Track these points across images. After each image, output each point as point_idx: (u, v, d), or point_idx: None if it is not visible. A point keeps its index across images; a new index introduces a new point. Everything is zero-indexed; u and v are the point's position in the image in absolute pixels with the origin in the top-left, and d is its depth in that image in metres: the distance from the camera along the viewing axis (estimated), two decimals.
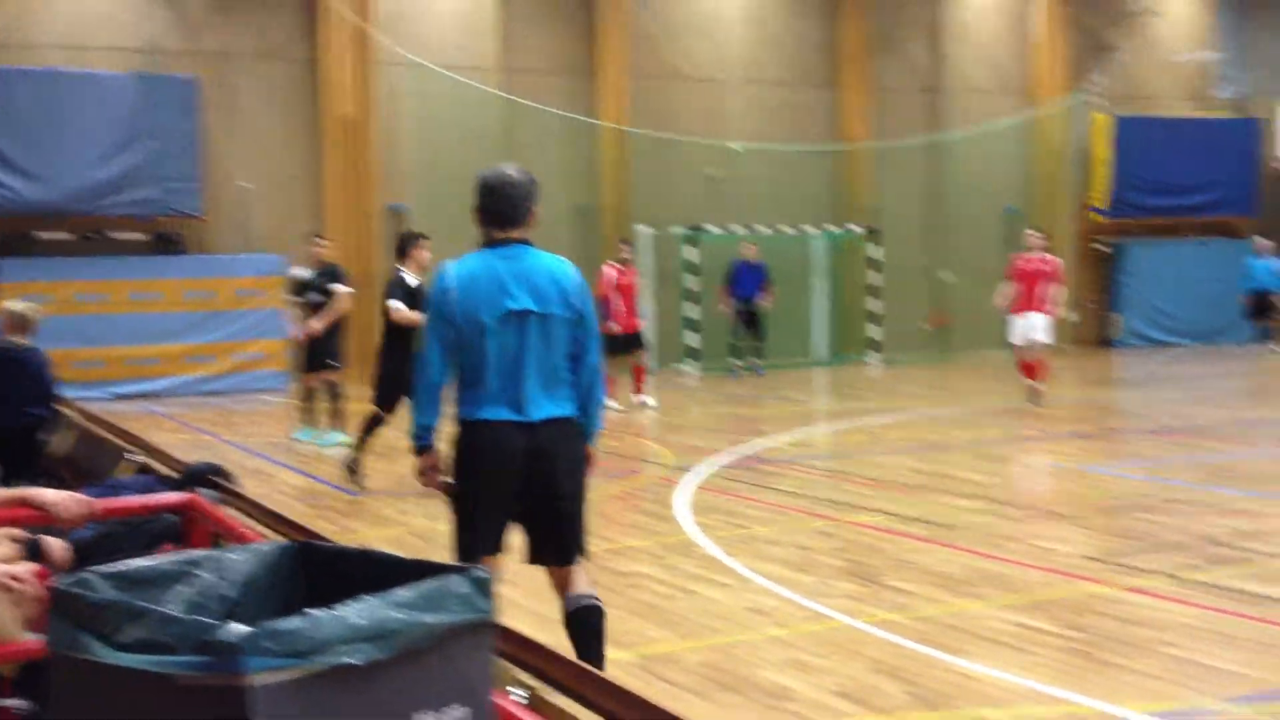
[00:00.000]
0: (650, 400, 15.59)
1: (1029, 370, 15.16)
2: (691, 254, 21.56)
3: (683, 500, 9.20)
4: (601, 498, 9.53)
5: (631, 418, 15.14)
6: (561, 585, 4.87)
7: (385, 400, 10.15)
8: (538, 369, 4.64)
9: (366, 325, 20.34)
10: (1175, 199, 26.29)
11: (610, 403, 15.05)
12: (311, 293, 13.25)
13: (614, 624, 5.88)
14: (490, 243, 4.72)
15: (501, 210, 4.71)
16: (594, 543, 7.89)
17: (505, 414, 4.61)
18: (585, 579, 4.91)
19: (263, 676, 1.49)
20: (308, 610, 1.55)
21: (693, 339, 21.61)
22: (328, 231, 20.11)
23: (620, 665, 5.21)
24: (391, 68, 20.58)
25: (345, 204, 20.29)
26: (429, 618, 1.64)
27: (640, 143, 22.17)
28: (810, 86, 23.85)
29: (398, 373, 9.63)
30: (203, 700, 1.50)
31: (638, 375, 15.78)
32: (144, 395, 18.08)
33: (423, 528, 8.53)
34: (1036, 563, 7.04)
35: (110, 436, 6.84)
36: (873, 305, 23.15)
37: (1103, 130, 25.85)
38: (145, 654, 1.53)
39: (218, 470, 5.50)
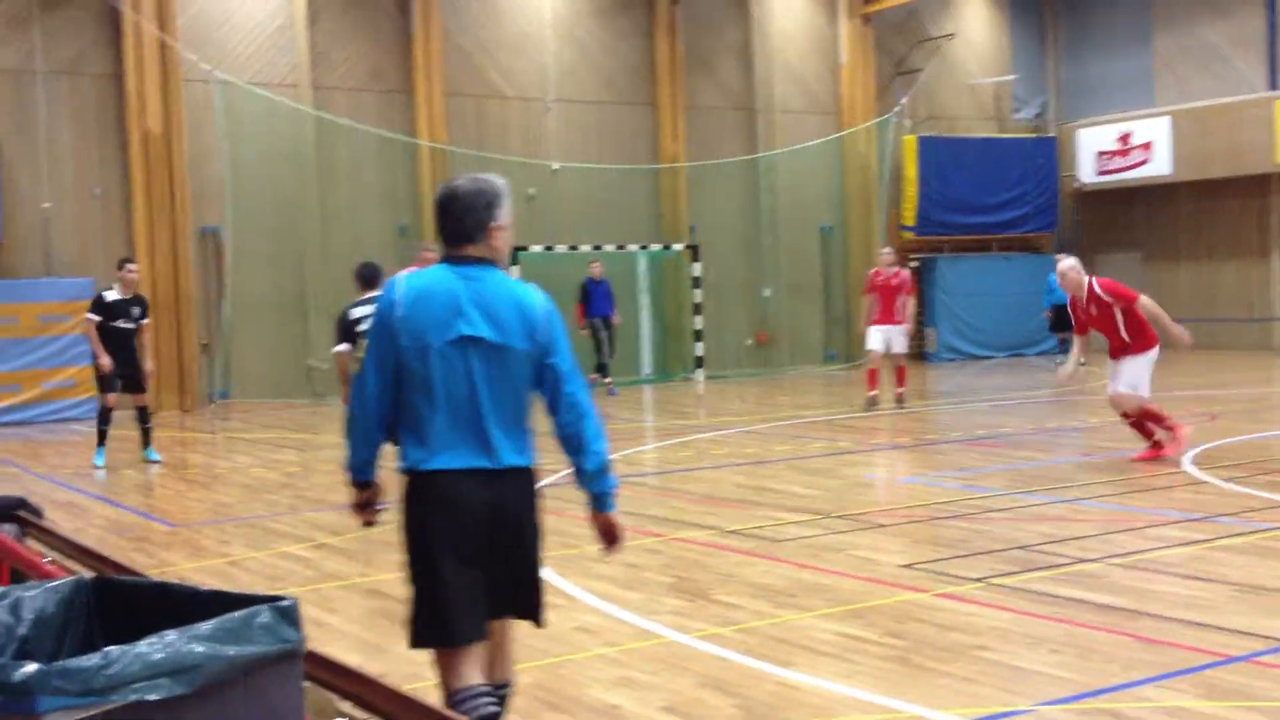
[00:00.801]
0: None
1: (872, 379, 16.68)
2: (514, 274, 21.48)
3: None
4: None
5: None
6: (488, 656, 4.07)
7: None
8: (495, 407, 3.94)
9: (174, 348, 19.74)
10: (980, 216, 27.35)
11: None
12: (121, 319, 13.16)
13: None
14: (449, 260, 4.08)
15: (448, 226, 4.09)
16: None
17: (463, 460, 3.88)
18: (510, 658, 4.28)
19: (56, 717, 1.40)
20: (105, 648, 1.47)
21: None
22: (138, 254, 19.47)
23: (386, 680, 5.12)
24: (199, 84, 20.03)
25: (155, 225, 19.63)
26: (231, 650, 1.57)
27: (459, 162, 22.03)
28: (627, 105, 24.07)
29: None
30: None
31: None
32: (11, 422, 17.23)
33: (241, 556, 8.28)
34: (857, 572, 7.19)
35: None
36: (696, 322, 23.43)
37: (909, 151, 26.74)
38: None
39: (22, 504, 5.25)
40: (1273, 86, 25.59)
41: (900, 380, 16.79)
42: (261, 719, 1.61)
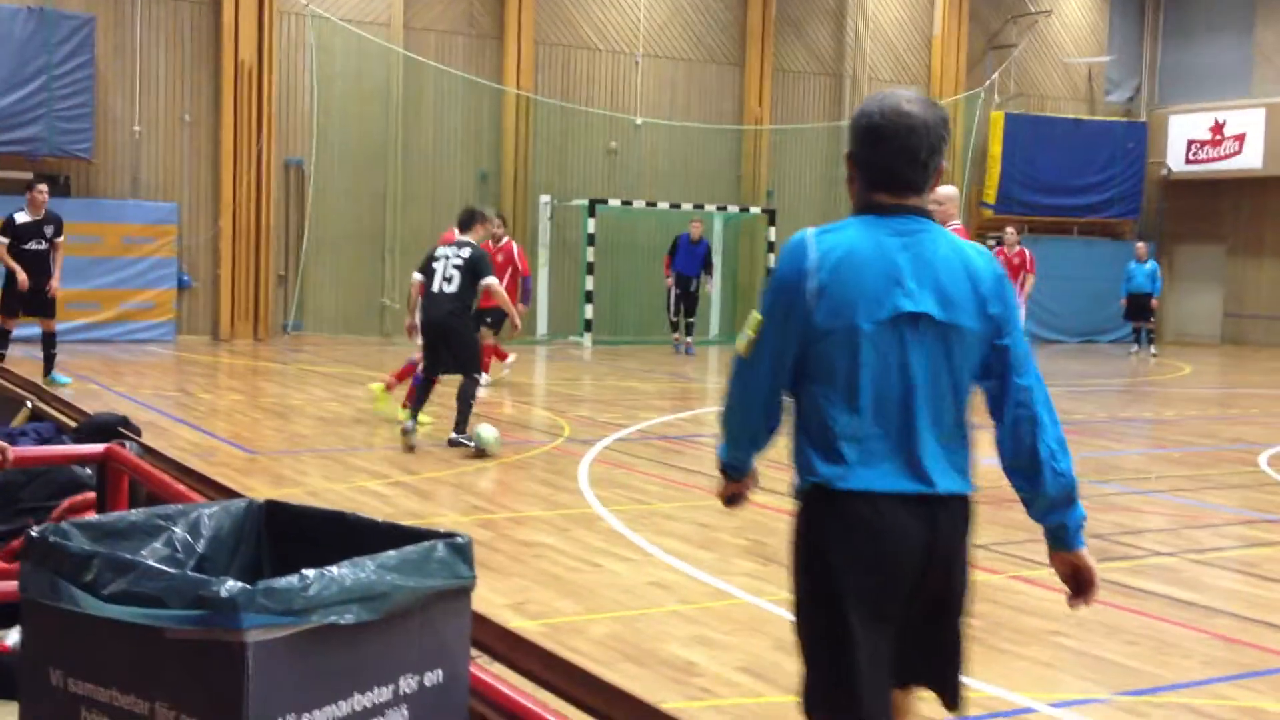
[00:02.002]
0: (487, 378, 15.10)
1: None
2: (591, 226, 21.54)
3: (583, 473, 9.23)
4: (501, 467, 9.52)
5: (518, 390, 15.12)
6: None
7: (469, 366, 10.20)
8: (933, 409, 3.00)
9: (250, 278, 20.02)
10: (1062, 199, 26.98)
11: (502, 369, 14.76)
12: (33, 241, 13.08)
13: (520, 593, 5.90)
14: (872, 209, 3.03)
15: (894, 165, 3.01)
16: (496, 511, 7.91)
17: (890, 481, 2.96)
18: None
19: (256, 633, 1.48)
20: (303, 570, 1.53)
21: (589, 311, 21.62)
22: (222, 182, 19.73)
23: (527, 634, 5.22)
24: (294, 17, 20.18)
25: (241, 155, 19.84)
26: (413, 582, 1.64)
27: (544, 111, 22.07)
28: (715, 64, 23.94)
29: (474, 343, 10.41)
30: (193, 654, 1.48)
31: (498, 352, 15.01)
32: (23, 340, 17.53)
33: (319, 487, 8.43)
34: None
35: (6, 384, 6.63)
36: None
37: (996, 127, 26.41)
38: (131, 606, 1.50)
39: (124, 422, 5.36)
40: None
41: None
42: (434, 649, 1.67)
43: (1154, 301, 23.02)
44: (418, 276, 10.28)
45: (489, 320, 13.71)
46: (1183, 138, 27.47)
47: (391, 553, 1.66)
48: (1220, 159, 26.78)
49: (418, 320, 10.26)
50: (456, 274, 9.96)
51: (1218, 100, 27.12)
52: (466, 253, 10.05)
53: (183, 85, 19.83)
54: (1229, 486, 9.81)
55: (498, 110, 21.93)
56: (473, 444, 9.82)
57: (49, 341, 13.36)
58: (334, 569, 1.58)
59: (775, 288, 3.03)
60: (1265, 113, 25.92)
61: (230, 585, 1.49)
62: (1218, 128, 26.79)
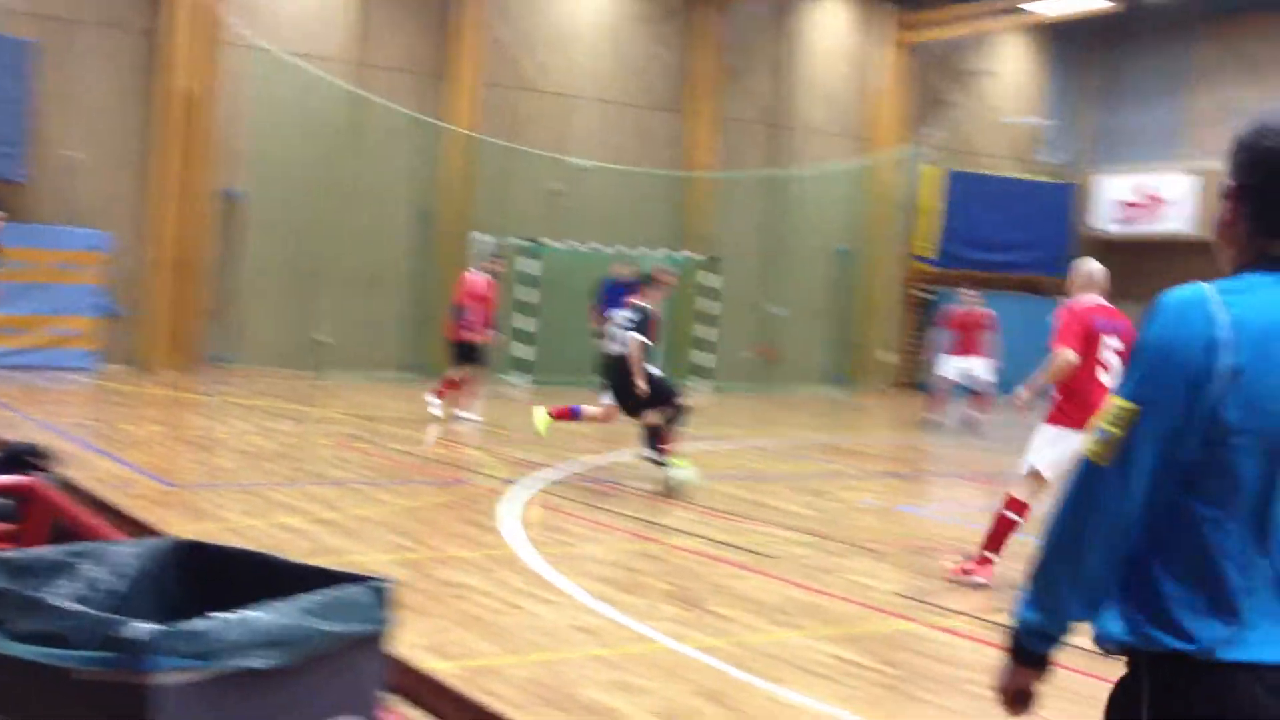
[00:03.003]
0: (471, 415, 15.43)
1: (935, 404, 18.29)
2: (529, 266, 21.58)
3: (509, 513, 9.23)
4: (426, 505, 9.50)
5: (455, 427, 15.10)
6: None
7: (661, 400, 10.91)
8: None
9: (179, 307, 19.81)
10: (994, 254, 27.44)
11: (464, 413, 15.04)
12: None
13: (440, 634, 5.89)
14: (1272, 263, 2.26)
15: None
16: (419, 550, 7.89)
17: None
18: None
19: (165, 676, 1.49)
20: (215, 613, 1.56)
21: (522, 351, 21.62)
22: (158, 210, 19.56)
23: (445, 677, 5.21)
24: (238, 49, 20.13)
25: (177, 183, 19.70)
26: (332, 626, 1.66)
27: (487, 151, 22.13)
28: (659, 111, 24.17)
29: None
30: (100, 697, 1.49)
31: (458, 387, 15.58)
32: None
33: (238, 523, 8.36)
34: (851, 596, 7.29)
35: None
36: (705, 333, 23.51)
37: (933, 182, 26.84)
38: (39, 645, 1.51)
39: (40, 452, 5.27)
40: None
41: (979, 405, 18.19)
42: (350, 695, 1.70)
43: None
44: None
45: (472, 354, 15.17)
46: (1113, 200, 28.08)
47: (310, 596, 1.68)
48: (1149, 222, 27.39)
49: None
50: (618, 334, 11.03)
51: (1149, 165, 27.76)
52: (628, 315, 11.05)
53: (122, 113, 19.69)
54: None
55: (441, 149, 21.96)
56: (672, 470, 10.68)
57: None
58: (249, 612, 1.60)
59: (1161, 363, 2.18)
60: (1194, 178, 26.56)
61: (140, 627, 1.51)
62: (1147, 191, 27.41)
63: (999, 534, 7.72)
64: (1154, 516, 2.18)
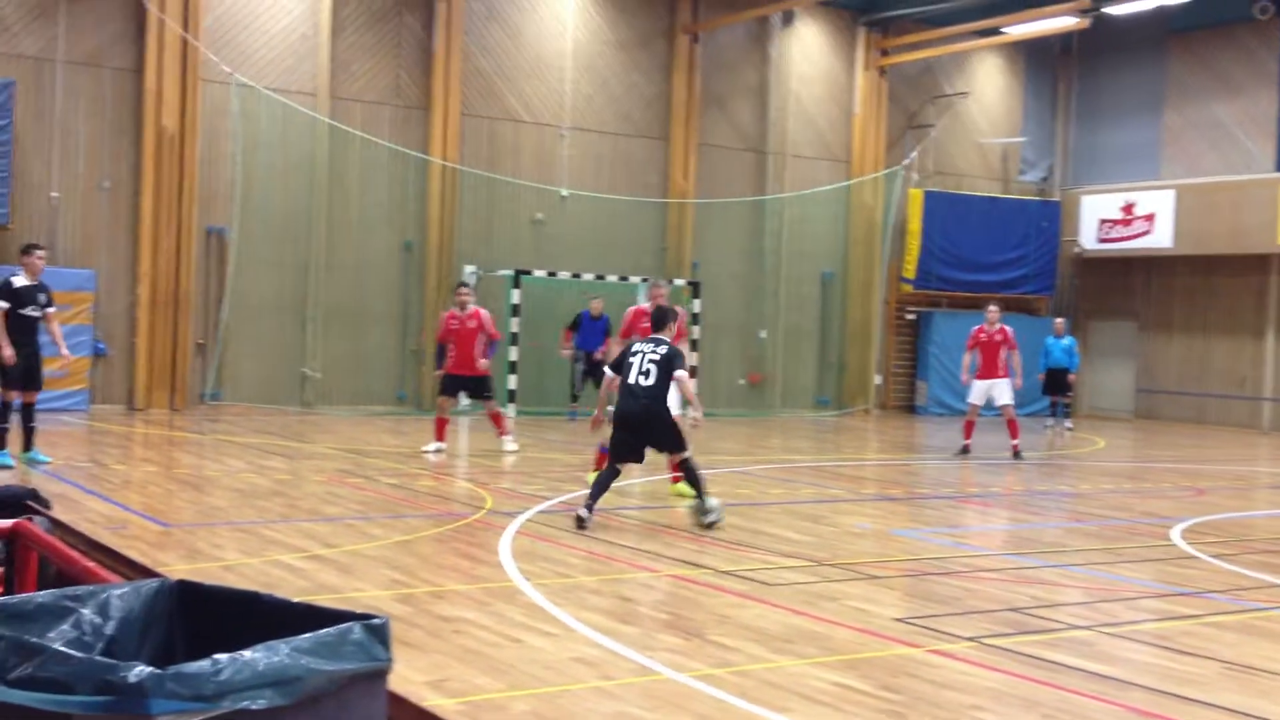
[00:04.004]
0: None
1: (968, 430, 17.94)
2: (515, 297, 21.56)
3: (504, 546, 9.16)
4: (421, 540, 9.42)
5: (449, 459, 15.03)
6: None
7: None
8: None
9: (168, 346, 19.73)
10: (980, 274, 27.52)
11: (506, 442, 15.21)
12: (31, 306, 12.61)
13: (439, 670, 5.82)
14: None
15: None
16: (416, 585, 7.82)
17: None
18: None
19: (165, 719, 1.44)
20: (215, 655, 1.51)
21: (512, 382, 21.58)
22: (142, 249, 19.50)
23: (447, 713, 5.14)
24: (217, 85, 20.13)
25: (161, 222, 19.67)
26: (329, 665, 1.62)
27: (469, 181, 22.15)
28: (640, 138, 24.22)
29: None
30: None
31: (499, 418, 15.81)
32: None
33: (235, 561, 8.28)
34: (851, 622, 7.23)
35: None
36: (693, 359, 23.47)
37: (915, 204, 26.93)
38: (37, 691, 1.46)
39: (34, 495, 5.23)
40: None
41: (1013, 433, 17.69)
42: None
43: (1071, 376, 23.44)
44: (610, 373, 10.97)
45: (486, 393, 15.43)
46: (1095, 217, 28.21)
47: (306, 636, 1.63)
48: (1131, 238, 27.51)
49: (607, 413, 11.07)
50: (653, 368, 10.57)
51: (1129, 181, 27.90)
52: (663, 349, 10.70)
53: (103, 151, 19.66)
54: (1143, 560, 9.96)
55: (423, 180, 21.97)
56: (712, 514, 10.32)
57: (30, 415, 12.74)
58: (246, 653, 1.55)
59: None
60: (1175, 194, 26.70)
61: (139, 670, 1.46)
62: (1128, 208, 27.53)
63: None
64: None
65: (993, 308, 18.30)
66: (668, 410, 10.77)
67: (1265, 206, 25.12)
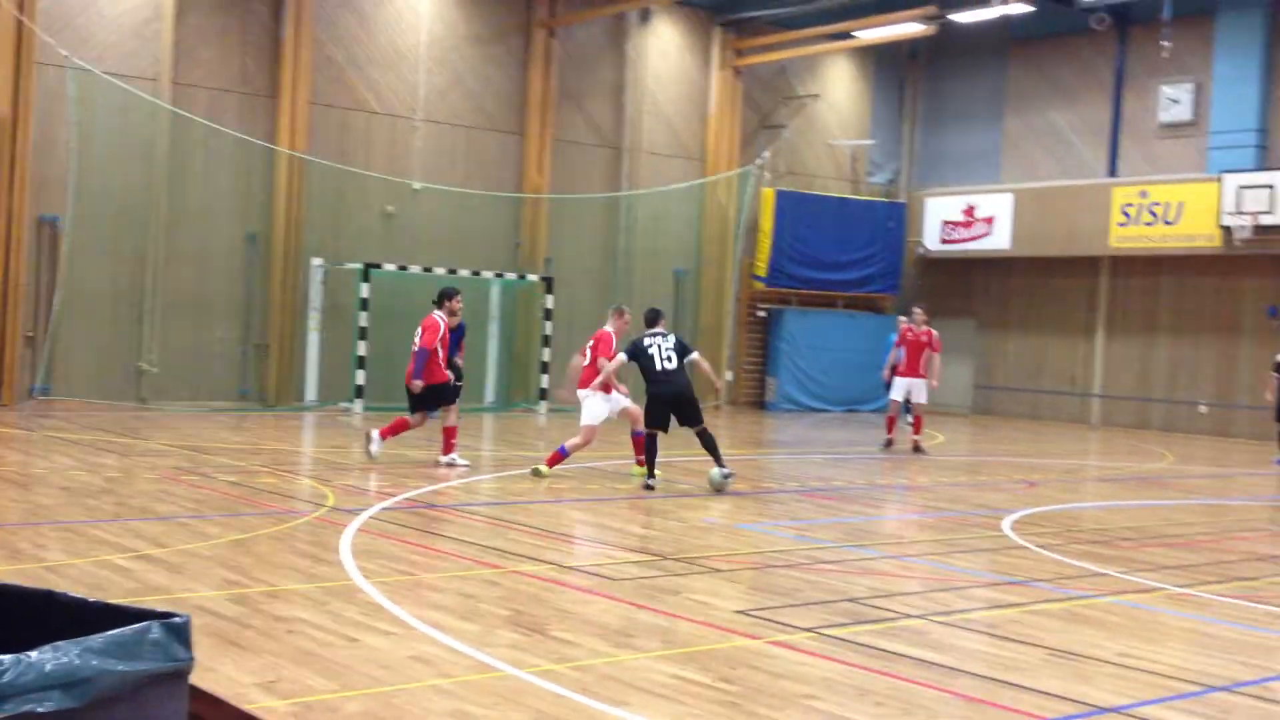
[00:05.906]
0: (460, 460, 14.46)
1: (890, 425, 19.02)
2: (365, 290, 21.24)
3: (345, 544, 9.02)
4: (258, 538, 9.23)
5: (281, 457, 14.75)
6: None
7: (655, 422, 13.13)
8: None
9: None
10: (829, 273, 28.04)
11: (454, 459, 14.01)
12: None
13: (271, 671, 5.71)
14: None
15: None
16: (251, 584, 7.65)
17: None
18: None
19: None
20: (0, 655, 1.45)
21: (360, 377, 21.26)
22: None
23: (275, 715, 5.05)
24: (52, 68, 19.40)
25: None
26: (122, 666, 1.57)
27: (318, 172, 21.75)
28: (495, 132, 24.09)
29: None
30: None
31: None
32: None
33: (59, 562, 8.00)
34: (692, 616, 7.30)
35: None
36: (545, 354, 23.46)
37: (767, 203, 27.31)
38: None
39: None
40: (1112, 174, 26.88)
41: (917, 429, 19.01)
42: None
43: None
44: (622, 357, 13.21)
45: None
46: (938, 218, 28.98)
47: (99, 636, 1.58)
48: (971, 239, 28.33)
49: (654, 392, 13.04)
50: (675, 355, 13.03)
51: (970, 184, 28.73)
52: (672, 338, 13.24)
53: None
54: (975, 550, 10.27)
55: (269, 170, 21.51)
56: (730, 476, 12.91)
57: None
58: (33, 653, 1.49)
59: None
60: (1013, 197, 27.57)
61: None
62: (969, 210, 28.35)
63: None
64: None
65: (919, 309, 19.11)
66: (692, 389, 13.19)
67: (1098, 211, 26.11)
